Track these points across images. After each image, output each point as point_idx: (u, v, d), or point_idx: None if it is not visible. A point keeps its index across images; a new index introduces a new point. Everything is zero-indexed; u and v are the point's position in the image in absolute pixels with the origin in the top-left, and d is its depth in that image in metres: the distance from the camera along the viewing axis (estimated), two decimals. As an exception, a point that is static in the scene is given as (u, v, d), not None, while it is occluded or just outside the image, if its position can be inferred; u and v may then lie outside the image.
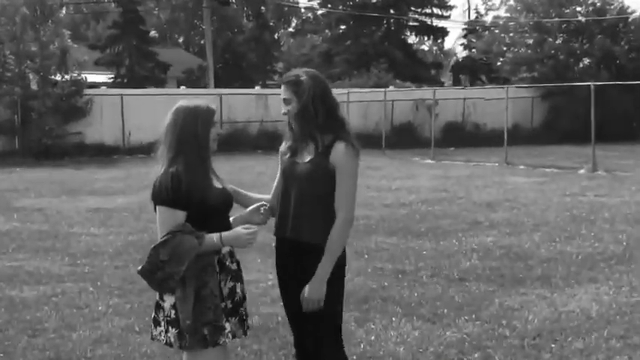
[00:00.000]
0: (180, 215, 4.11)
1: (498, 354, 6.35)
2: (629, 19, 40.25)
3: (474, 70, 52.67)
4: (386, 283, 8.76)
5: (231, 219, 4.42)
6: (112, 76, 44.73)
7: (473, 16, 62.23)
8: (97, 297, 8.32)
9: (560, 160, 25.20)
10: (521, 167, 23.71)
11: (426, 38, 58.56)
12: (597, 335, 6.81)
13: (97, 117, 30.48)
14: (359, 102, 33.28)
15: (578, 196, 16.36)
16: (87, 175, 22.45)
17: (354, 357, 6.24)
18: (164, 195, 4.12)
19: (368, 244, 11.05)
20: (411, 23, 53.42)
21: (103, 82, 39.61)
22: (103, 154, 29.50)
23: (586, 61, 38.51)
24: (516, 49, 40.25)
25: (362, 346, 6.59)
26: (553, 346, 6.57)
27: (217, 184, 4.33)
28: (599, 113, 24.46)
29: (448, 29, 56.97)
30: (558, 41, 39.09)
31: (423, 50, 63.76)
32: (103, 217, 13.93)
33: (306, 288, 4.37)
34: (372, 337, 6.83)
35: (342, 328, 4.64)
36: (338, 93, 37.40)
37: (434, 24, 54.49)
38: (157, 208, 4.16)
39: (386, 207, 14.91)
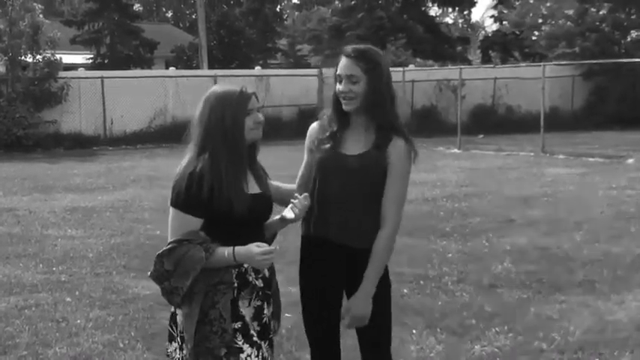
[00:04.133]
0: (193, 222, 3.93)
1: (535, 370, 6.37)
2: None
3: (506, 46, 52.52)
4: (405, 290, 8.78)
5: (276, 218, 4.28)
6: (91, 56, 44.84)
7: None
8: (75, 309, 8.33)
9: (606, 148, 25.14)
10: (561, 157, 23.68)
11: (450, 10, 58.40)
12: (648, 348, 6.83)
13: (74, 103, 30.53)
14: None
15: (626, 190, 16.34)
16: (63, 169, 22.48)
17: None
18: (178, 196, 3.94)
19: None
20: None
21: (80, 64, 39.62)
22: (81, 145, 29.61)
23: (634, 34, 38.36)
24: (554, 22, 40.12)
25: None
26: (597, 360, 6.59)
27: (254, 188, 4.09)
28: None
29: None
30: (603, 11, 38.94)
31: (446, 24, 63.52)
32: (82, 218, 13.96)
33: (351, 302, 4.34)
34: (390, 353, 6.84)
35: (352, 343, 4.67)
36: (349, 73, 37.29)
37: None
38: (170, 209, 3.99)
39: (407, 203, 14.89)
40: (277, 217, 4.24)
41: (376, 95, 4.28)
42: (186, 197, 3.90)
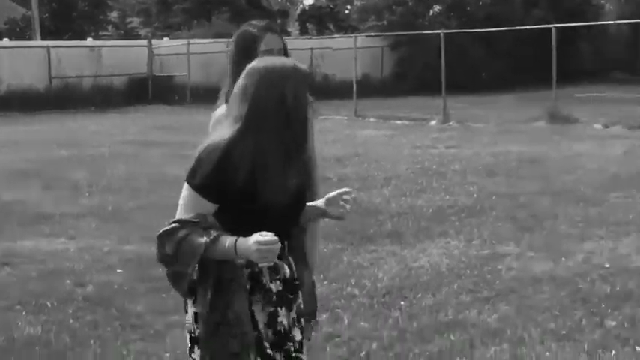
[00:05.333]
0: (208, 207, 3.16)
1: (347, 314, 6.48)
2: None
3: (322, 19, 53.01)
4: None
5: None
6: None
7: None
8: None
9: (411, 111, 25.70)
10: (372, 120, 24.16)
11: (271, -15, 58.47)
12: (447, 290, 7.06)
13: None
14: (200, 54, 32.95)
15: (429, 149, 16.82)
16: None
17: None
18: (198, 174, 3.15)
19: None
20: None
21: None
22: None
23: (436, 8, 39.33)
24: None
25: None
26: (403, 303, 6.76)
27: (294, 179, 3.27)
28: (449, 63, 25.08)
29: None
30: (408, -13, 39.76)
31: (267, -2, 63.58)
32: None
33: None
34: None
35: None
36: (177, 44, 36.66)
37: (278, -30, 54.49)
38: (184, 185, 3.20)
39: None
40: (319, 204, 3.48)
41: None
42: (210, 178, 3.12)
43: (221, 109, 3.90)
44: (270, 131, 3.12)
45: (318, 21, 53.41)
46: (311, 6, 56.10)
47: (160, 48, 35.21)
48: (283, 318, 3.29)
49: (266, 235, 3.00)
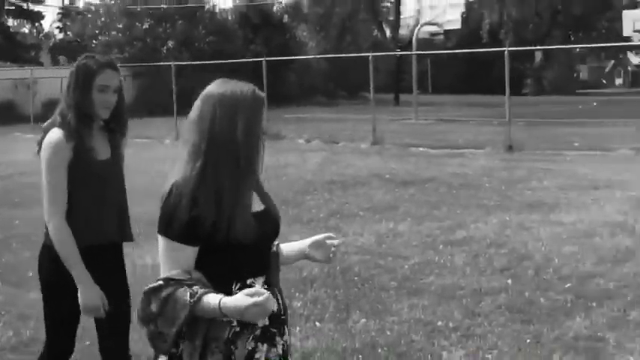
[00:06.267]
0: (189, 253, 2.58)
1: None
2: (205, 8, 41.78)
3: (71, 51, 51.11)
4: None
5: (282, 245, 2.98)
6: None
7: (67, 1, 60.64)
8: None
9: (148, 131, 25.32)
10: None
11: (26, 22, 55.86)
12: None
13: None
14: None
15: (162, 163, 16.58)
16: None
17: None
18: (166, 222, 2.58)
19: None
20: (7, 7, 50.44)
21: None
22: None
23: (170, 43, 39.08)
24: (108, 33, 39.79)
25: None
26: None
27: (258, 205, 2.75)
28: (181, 89, 25.12)
29: (44, 13, 54.74)
30: (145, 26, 39.24)
31: (23, 33, 60.57)
32: None
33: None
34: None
35: None
36: None
37: (30, 8, 52.11)
38: (159, 237, 2.61)
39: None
40: (300, 246, 2.99)
41: (123, 102, 3.80)
42: (186, 223, 2.53)
43: (56, 134, 3.63)
44: (226, 162, 2.57)
45: (68, 53, 51.49)
46: (61, 40, 54.22)
47: None
48: (261, 355, 2.67)
49: (255, 294, 2.41)
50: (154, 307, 2.51)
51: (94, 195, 3.70)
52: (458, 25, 38.18)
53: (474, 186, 12.63)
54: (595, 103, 36.47)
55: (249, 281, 2.64)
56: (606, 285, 6.91)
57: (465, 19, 44.35)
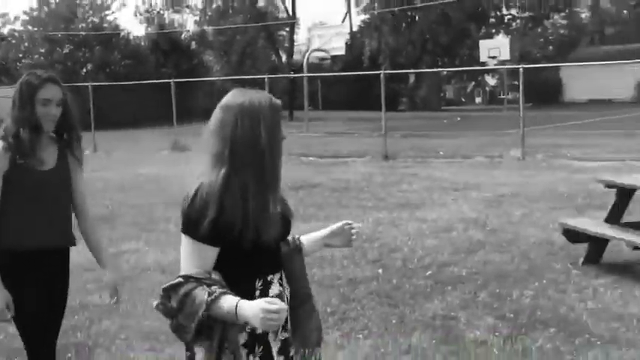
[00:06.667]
0: (211, 254, 2.41)
1: None
2: (121, 35, 41.16)
3: (-2, 73, 48.97)
4: None
5: (303, 238, 2.78)
6: None
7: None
8: None
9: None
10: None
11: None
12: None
13: None
14: None
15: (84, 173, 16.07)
16: None
17: None
18: (190, 222, 2.40)
19: None
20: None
21: None
22: None
23: (89, 66, 38.07)
24: (31, 57, 38.44)
25: None
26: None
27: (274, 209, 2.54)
28: (99, 107, 24.69)
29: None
30: (66, 50, 38.12)
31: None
32: None
33: None
34: None
35: None
36: None
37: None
38: (182, 236, 2.44)
39: None
40: (318, 236, 2.81)
41: (70, 114, 3.61)
42: (204, 225, 2.36)
43: None
44: (249, 169, 2.40)
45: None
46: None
47: None
48: None
49: (273, 304, 2.23)
50: (173, 302, 2.36)
51: (28, 202, 3.52)
52: (343, 52, 38.63)
53: (354, 189, 12.79)
54: (459, 118, 37.51)
55: (269, 278, 2.51)
56: (460, 272, 7.12)
57: (349, 46, 45.03)
